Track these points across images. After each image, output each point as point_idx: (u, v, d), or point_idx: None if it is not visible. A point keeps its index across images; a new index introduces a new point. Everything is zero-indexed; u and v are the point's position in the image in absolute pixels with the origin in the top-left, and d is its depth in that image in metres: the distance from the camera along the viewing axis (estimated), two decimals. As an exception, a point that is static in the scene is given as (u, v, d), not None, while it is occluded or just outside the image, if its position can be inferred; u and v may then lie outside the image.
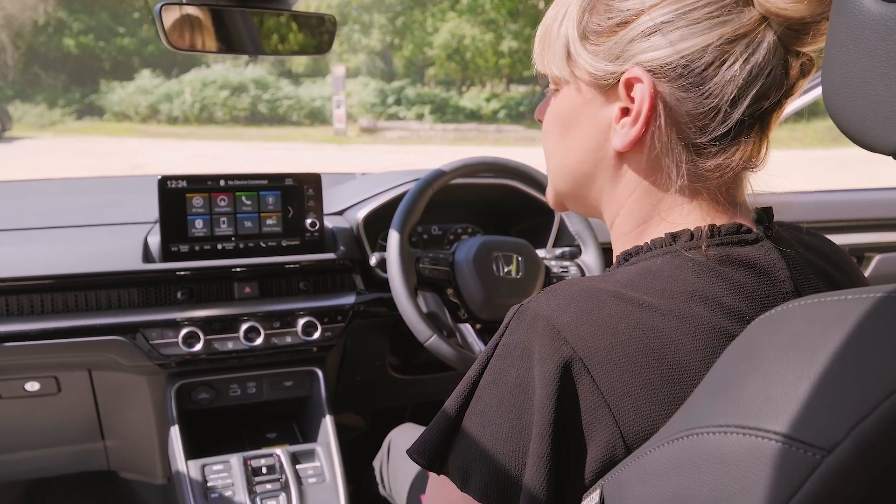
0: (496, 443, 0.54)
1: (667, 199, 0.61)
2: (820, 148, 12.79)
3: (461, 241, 1.35)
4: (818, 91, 1.61)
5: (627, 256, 0.61)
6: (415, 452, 0.59)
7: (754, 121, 0.58)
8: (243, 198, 1.38)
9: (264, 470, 1.33)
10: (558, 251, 1.46)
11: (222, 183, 1.37)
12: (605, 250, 1.42)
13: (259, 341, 1.35)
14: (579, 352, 0.52)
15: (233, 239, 1.38)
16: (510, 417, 0.54)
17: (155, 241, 1.35)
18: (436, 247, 1.70)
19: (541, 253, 1.42)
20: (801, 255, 0.61)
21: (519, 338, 0.55)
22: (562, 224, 1.63)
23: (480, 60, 17.49)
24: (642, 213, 0.62)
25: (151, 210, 1.40)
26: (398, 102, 16.96)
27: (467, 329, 1.33)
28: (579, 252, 1.44)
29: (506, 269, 1.31)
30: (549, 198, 0.72)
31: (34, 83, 16.25)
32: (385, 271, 1.37)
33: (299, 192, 1.41)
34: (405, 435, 1.36)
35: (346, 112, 15.43)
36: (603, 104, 0.61)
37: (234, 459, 1.33)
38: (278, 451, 1.37)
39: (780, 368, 0.42)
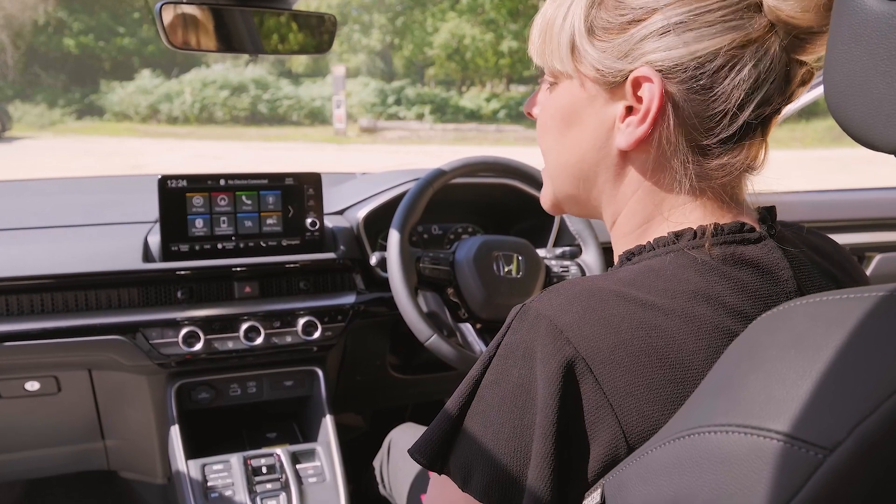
0: (498, 443, 0.54)
1: (670, 198, 0.61)
2: (820, 148, 12.79)
3: (461, 240, 1.35)
4: (818, 91, 1.60)
5: (630, 255, 0.61)
6: (416, 452, 0.59)
7: (757, 124, 0.59)
8: (243, 197, 1.38)
9: (264, 470, 1.33)
10: (559, 251, 1.46)
11: (222, 182, 1.37)
12: (606, 250, 1.42)
13: (259, 341, 1.35)
14: (582, 352, 0.52)
15: (233, 238, 1.38)
16: (512, 417, 0.54)
17: (155, 240, 1.35)
18: (436, 246, 1.70)
19: (541, 252, 1.42)
20: (804, 255, 0.61)
21: (521, 338, 0.55)
22: (562, 223, 1.63)
23: (480, 60, 17.49)
24: (645, 213, 0.62)
25: (151, 209, 1.40)
26: (398, 102, 16.96)
27: (467, 329, 1.33)
28: (580, 251, 1.44)
29: (506, 269, 1.31)
30: (546, 200, 0.71)
31: (34, 83, 16.26)
32: (385, 271, 1.37)
33: (299, 191, 1.41)
34: (405, 435, 1.36)
35: (346, 112, 15.44)
36: (607, 101, 0.60)
37: (235, 459, 1.33)
38: (278, 450, 1.37)
39: (781, 367, 0.42)
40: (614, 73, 0.58)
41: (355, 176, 1.79)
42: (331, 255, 1.43)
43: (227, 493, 1.29)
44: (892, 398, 0.38)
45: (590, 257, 1.41)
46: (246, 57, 15.71)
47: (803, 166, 9.34)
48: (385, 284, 1.45)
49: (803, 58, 0.58)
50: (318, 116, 16.64)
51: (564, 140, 0.65)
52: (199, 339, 1.31)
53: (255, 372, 1.42)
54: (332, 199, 1.57)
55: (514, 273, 1.32)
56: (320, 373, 1.45)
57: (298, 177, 1.41)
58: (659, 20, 0.56)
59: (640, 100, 0.58)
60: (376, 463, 1.41)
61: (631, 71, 0.57)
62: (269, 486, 1.31)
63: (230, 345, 1.34)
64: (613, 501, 0.48)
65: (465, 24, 17.19)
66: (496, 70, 17.97)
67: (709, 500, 0.41)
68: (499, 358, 0.56)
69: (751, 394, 0.42)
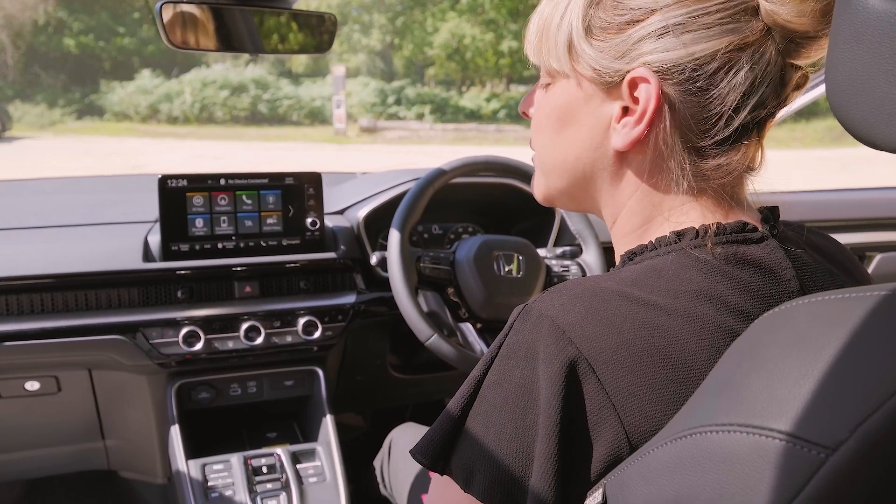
0: (500, 443, 0.54)
1: (669, 198, 0.61)
2: (820, 148, 12.80)
3: (462, 240, 1.35)
4: (818, 91, 1.60)
5: (632, 255, 0.61)
6: (418, 453, 0.58)
7: (753, 127, 0.59)
8: (244, 197, 1.38)
9: (265, 469, 1.33)
10: (559, 250, 1.46)
11: (223, 182, 1.36)
12: (607, 249, 1.42)
13: (259, 341, 1.35)
14: (584, 352, 0.52)
15: (233, 238, 1.38)
16: (514, 418, 0.54)
17: (155, 240, 1.35)
18: (436, 246, 1.70)
19: (542, 252, 1.42)
20: (807, 254, 0.61)
21: (523, 338, 0.55)
22: (562, 223, 1.63)
23: (480, 60, 17.50)
24: (644, 214, 0.62)
25: (152, 209, 1.40)
26: (398, 102, 16.96)
27: (468, 328, 1.33)
28: (580, 251, 1.44)
29: (507, 269, 1.31)
30: (538, 192, 0.71)
31: (34, 83, 16.26)
32: (386, 270, 1.37)
33: (300, 191, 1.41)
34: (406, 434, 1.36)
35: (346, 112, 15.44)
36: (603, 101, 0.60)
37: (235, 459, 1.33)
38: (279, 450, 1.36)
39: (783, 367, 0.42)
40: (611, 74, 0.58)
41: (355, 175, 1.79)
42: (331, 255, 1.43)
43: (228, 492, 1.29)
44: (893, 397, 0.38)
45: (590, 257, 1.41)
46: (246, 57, 15.73)
47: (803, 166, 9.34)
48: (385, 284, 1.45)
49: (799, 62, 0.58)
50: (318, 116, 16.64)
51: (560, 139, 0.65)
52: (199, 338, 1.31)
53: (256, 372, 1.42)
54: (333, 199, 1.57)
55: (514, 273, 1.32)
56: (320, 372, 1.45)
57: (299, 176, 1.41)
58: (657, 21, 0.56)
59: (636, 100, 0.58)
60: (377, 463, 1.41)
61: (628, 71, 0.57)
62: (269, 485, 1.31)
63: (230, 344, 1.34)
64: (615, 501, 0.48)
65: (465, 24, 17.19)
66: (496, 70, 17.98)
67: (710, 499, 0.41)
68: (501, 358, 0.56)
69: (753, 393, 0.42)
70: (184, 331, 1.30)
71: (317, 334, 1.39)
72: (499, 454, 0.54)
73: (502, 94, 17.76)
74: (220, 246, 1.37)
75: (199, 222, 1.35)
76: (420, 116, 16.69)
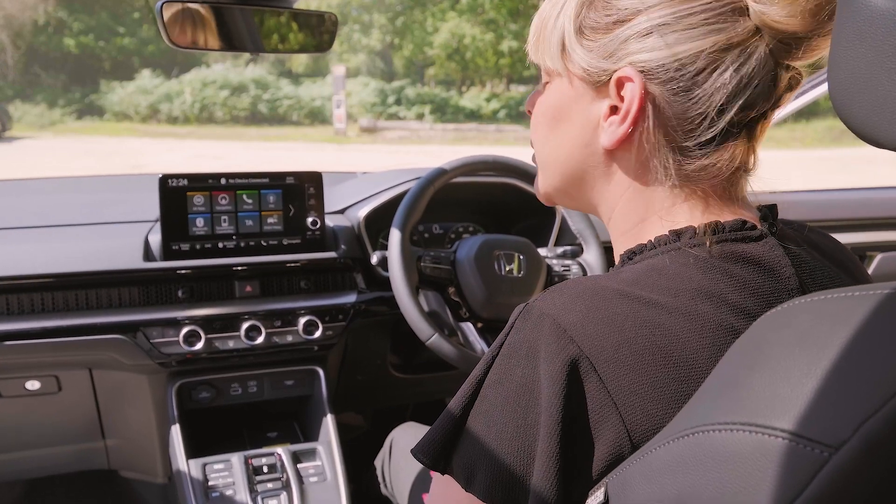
0: (501, 442, 0.54)
1: (660, 197, 0.61)
2: (820, 148, 12.80)
3: (462, 239, 1.35)
4: (818, 91, 1.60)
5: (631, 255, 0.61)
6: (419, 452, 0.58)
7: (740, 128, 0.59)
8: (244, 196, 1.38)
9: (265, 469, 1.33)
10: (560, 250, 1.46)
11: (223, 181, 1.36)
12: (607, 249, 1.41)
13: (260, 340, 1.35)
14: (586, 350, 0.52)
15: (234, 237, 1.38)
16: (515, 417, 0.54)
17: (156, 239, 1.35)
18: (437, 245, 1.70)
19: (542, 252, 1.42)
20: (806, 252, 0.61)
21: (524, 337, 0.55)
22: (563, 223, 1.63)
23: (480, 60, 17.50)
24: (638, 212, 0.63)
25: (152, 209, 1.40)
26: (398, 102, 16.96)
27: (469, 328, 1.33)
28: (581, 251, 1.44)
29: (507, 268, 1.31)
30: (538, 191, 0.72)
31: (34, 83, 16.26)
32: (386, 270, 1.37)
33: (300, 190, 1.41)
34: (407, 434, 1.36)
35: (346, 112, 15.44)
36: (593, 100, 0.62)
37: (235, 458, 1.33)
38: (279, 450, 1.36)
39: (786, 366, 0.42)
40: (600, 73, 0.60)
41: (356, 175, 1.79)
42: (332, 255, 1.43)
43: (228, 492, 1.29)
44: (897, 397, 0.38)
45: (591, 256, 1.41)
46: (246, 57, 15.73)
47: (803, 166, 9.34)
48: (386, 283, 1.45)
49: (791, 63, 0.58)
50: (318, 116, 16.64)
51: (553, 137, 0.66)
52: (199, 338, 1.31)
53: (256, 371, 1.42)
54: (333, 199, 1.57)
55: (515, 272, 1.32)
56: (321, 372, 1.45)
57: (299, 176, 1.41)
58: (643, 21, 0.57)
59: (622, 99, 0.59)
60: (378, 462, 1.41)
61: (615, 71, 0.58)
62: (269, 485, 1.31)
63: (231, 344, 1.34)
64: (617, 500, 0.48)
65: (465, 24, 17.19)
66: (496, 70, 17.98)
67: (713, 498, 0.41)
68: (502, 357, 0.56)
69: (755, 392, 0.42)
70: (184, 330, 1.30)
71: (317, 334, 1.39)
72: (500, 453, 0.53)
73: (502, 94, 17.76)
74: (220, 245, 1.36)
75: (200, 222, 1.35)
76: (420, 116, 16.69)
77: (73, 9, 16.69)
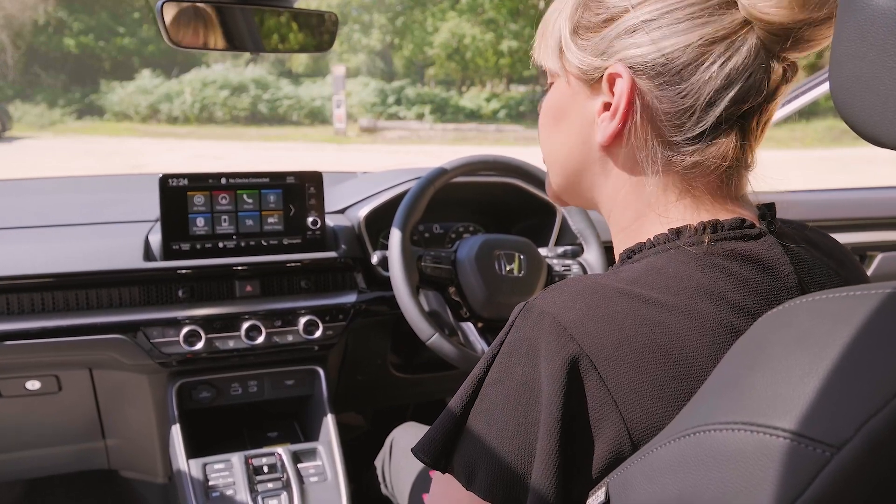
0: (502, 441, 0.54)
1: (653, 193, 0.61)
2: (820, 148, 12.80)
3: (463, 239, 1.35)
4: (818, 91, 1.60)
5: (631, 254, 0.61)
6: (420, 451, 0.58)
7: (733, 123, 0.58)
8: (245, 196, 1.38)
9: (266, 469, 1.33)
10: (560, 249, 1.46)
11: (223, 181, 1.36)
12: (608, 249, 1.42)
13: (260, 340, 1.35)
14: (586, 348, 0.52)
15: (234, 237, 1.37)
16: (516, 415, 0.54)
17: (156, 239, 1.34)
18: (437, 245, 1.69)
19: (543, 251, 1.42)
20: (805, 251, 0.61)
21: (525, 335, 0.55)
22: (564, 222, 1.63)
23: (480, 60, 17.49)
24: (634, 208, 0.63)
25: (152, 208, 1.40)
26: (398, 102, 16.96)
27: (469, 328, 1.33)
28: (581, 250, 1.44)
29: (508, 268, 1.31)
30: (549, 191, 0.73)
31: (34, 83, 16.26)
32: (387, 270, 1.37)
33: (301, 190, 1.41)
34: (407, 434, 1.36)
35: (346, 112, 15.43)
36: (588, 98, 0.63)
37: (236, 458, 1.33)
38: (280, 450, 1.36)
39: (787, 365, 0.42)
40: (592, 71, 0.61)
41: (356, 175, 1.78)
42: (332, 254, 1.43)
43: (229, 492, 1.29)
44: (899, 396, 0.38)
45: (591, 256, 1.41)
46: (246, 57, 15.73)
47: (803, 166, 9.34)
48: (386, 283, 1.45)
49: (787, 55, 0.58)
50: (318, 116, 16.64)
51: (555, 135, 0.68)
52: (200, 338, 1.31)
53: (257, 371, 1.42)
54: (334, 198, 1.57)
55: (515, 272, 1.32)
56: (321, 372, 1.45)
57: (300, 175, 1.41)
58: (630, 18, 0.58)
59: (614, 96, 0.60)
60: (378, 462, 1.41)
61: (606, 68, 0.59)
62: (270, 485, 1.31)
63: (231, 344, 1.34)
64: (618, 500, 0.48)
65: (465, 24, 17.19)
66: (496, 70, 17.98)
67: (714, 498, 0.41)
68: (502, 356, 0.56)
69: (756, 392, 0.42)
70: (185, 330, 1.30)
71: (318, 333, 1.39)
72: (501, 452, 0.53)
73: (502, 94, 17.76)
74: (220, 245, 1.36)
75: (200, 221, 1.35)
76: (420, 116, 16.69)
77: (73, 9, 16.69)
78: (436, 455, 0.57)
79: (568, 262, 1.41)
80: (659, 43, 0.57)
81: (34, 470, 1.53)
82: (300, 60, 18.58)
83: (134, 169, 10.03)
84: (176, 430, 1.34)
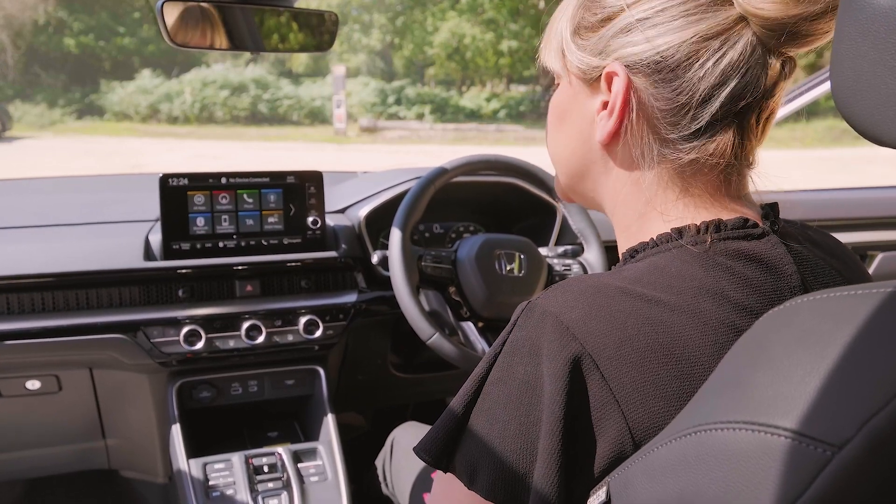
0: (504, 440, 0.54)
1: (653, 192, 0.61)
2: (820, 148, 12.80)
3: (463, 239, 1.35)
4: (818, 90, 1.60)
5: (633, 253, 0.61)
6: (421, 450, 0.58)
7: (730, 120, 0.58)
8: (245, 195, 1.38)
9: (266, 468, 1.33)
10: (561, 249, 1.46)
11: (224, 181, 1.36)
12: (608, 248, 1.42)
13: (260, 340, 1.35)
14: (588, 348, 0.52)
15: (234, 237, 1.37)
16: (518, 415, 0.54)
17: (156, 238, 1.34)
18: (437, 245, 1.69)
19: (543, 251, 1.42)
20: (807, 250, 0.61)
21: (527, 334, 0.55)
22: (564, 222, 1.63)
23: (480, 60, 17.49)
24: (635, 206, 0.63)
25: (152, 208, 1.40)
26: (398, 102, 16.96)
27: (469, 327, 1.33)
28: (582, 250, 1.44)
29: (508, 268, 1.31)
30: (557, 189, 0.74)
31: (34, 83, 16.26)
32: (387, 269, 1.37)
33: (301, 189, 1.41)
34: (408, 433, 1.36)
35: (347, 112, 15.43)
36: (588, 97, 0.63)
37: (236, 458, 1.33)
38: (280, 449, 1.36)
39: (788, 364, 0.42)
40: (591, 70, 0.61)
41: (357, 174, 1.78)
42: (332, 254, 1.43)
43: (229, 492, 1.29)
44: (900, 395, 0.38)
45: (592, 256, 1.41)
46: (246, 56, 15.73)
47: (804, 166, 9.34)
48: (387, 283, 1.45)
49: (783, 50, 0.57)
50: (318, 116, 16.64)
51: (559, 135, 0.68)
52: (200, 337, 1.31)
53: (257, 371, 1.42)
54: (334, 198, 1.57)
55: (516, 272, 1.31)
56: (322, 372, 1.45)
57: (300, 175, 1.41)
58: (626, 17, 0.58)
59: (611, 94, 0.60)
60: (379, 462, 1.41)
61: (604, 67, 0.60)
62: (270, 485, 1.31)
63: (231, 343, 1.34)
64: (619, 499, 0.48)
65: (465, 24, 17.18)
66: (496, 70, 17.97)
67: (716, 497, 0.41)
68: (504, 355, 0.56)
69: (758, 391, 0.42)
70: (185, 330, 1.30)
71: (318, 333, 1.39)
72: (502, 451, 0.53)
73: (502, 94, 17.76)
74: (221, 245, 1.36)
75: (200, 221, 1.35)
76: (420, 116, 16.68)
77: (73, 9, 16.69)
78: (437, 454, 0.57)
79: (568, 261, 1.41)
80: (653, 41, 0.57)
81: (34, 470, 1.53)
82: (300, 60, 18.58)
83: (134, 169, 10.03)
84: (176, 430, 1.34)
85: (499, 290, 1.28)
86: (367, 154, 12.43)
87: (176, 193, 1.33)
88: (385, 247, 1.53)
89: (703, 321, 0.53)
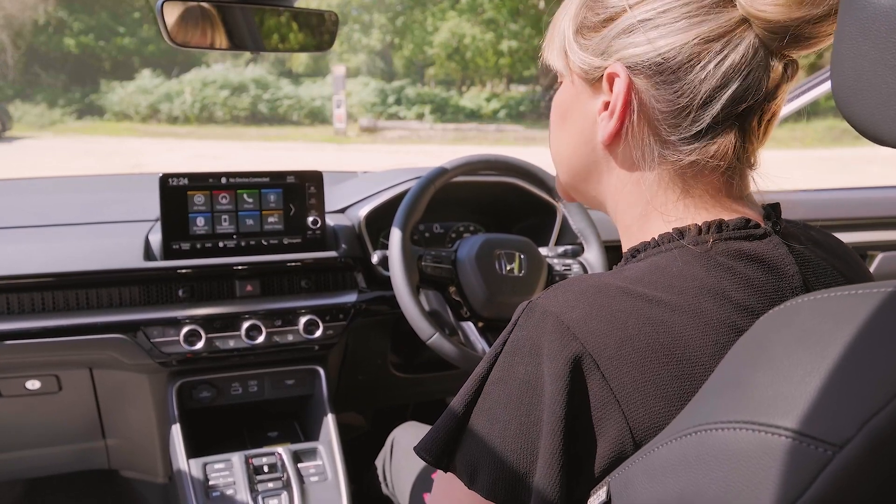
0: (504, 440, 0.54)
1: (654, 192, 0.61)
2: (820, 148, 12.80)
3: (463, 239, 1.35)
4: (818, 90, 1.60)
5: (635, 252, 0.61)
6: (422, 449, 0.58)
7: (732, 122, 0.58)
8: (245, 195, 1.38)
9: (266, 468, 1.33)
10: (561, 249, 1.46)
11: (224, 181, 1.36)
12: (608, 248, 1.42)
13: (260, 339, 1.35)
14: (589, 348, 0.52)
15: (234, 237, 1.37)
16: (519, 414, 0.54)
17: (156, 238, 1.34)
18: (438, 245, 1.69)
19: (543, 251, 1.42)
20: (809, 251, 0.61)
21: (528, 334, 0.55)
22: (564, 222, 1.63)
23: (480, 60, 17.49)
24: (636, 206, 0.63)
25: (152, 208, 1.40)
26: (398, 102, 16.96)
27: (469, 327, 1.33)
28: (582, 250, 1.44)
29: (508, 267, 1.31)
30: (558, 188, 0.74)
31: (34, 83, 16.26)
32: (387, 269, 1.36)
33: (301, 189, 1.41)
34: (408, 433, 1.36)
35: (347, 112, 15.43)
36: (591, 97, 0.63)
37: (236, 458, 1.33)
38: (280, 449, 1.36)
39: (789, 364, 0.42)
40: (593, 70, 0.61)
41: (357, 174, 1.78)
42: (332, 254, 1.43)
43: (229, 492, 1.29)
44: (901, 394, 0.37)
45: (592, 256, 1.41)
46: (246, 56, 15.72)
47: (804, 166, 9.34)
48: (387, 283, 1.45)
49: (786, 52, 0.57)
50: (318, 116, 16.64)
51: (561, 134, 0.68)
52: (200, 337, 1.31)
53: (257, 371, 1.42)
54: (334, 198, 1.57)
55: (516, 271, 1.31)
56: (322, 372, 1.45)
57: (300, 175, 1.41)
58: (628, 18, 0.58)
59: (613, 95, 0.60)
60: (379, 462, 1.41)
61: (606, 67, 0.60)
62: (270, 485, 1.31)
63: (231, 343, 1.34)
64: (619, 499, 0.48)
65: (465, 24, 17.18)
66: (496, 70, 17.97)
67: (716, 497, 0.41)
68: (505, 355, 0.56)
69: (758, 390, 0.42)
70: (185, 330, 1.30)
71: (318, 333, 1.39)
72: (503, 451, 0.53)
73: (502, 94, 17.76)
74: (221, 244, 1.36)
75: (200, 221, 1.35)
76: (420, 116, 16.68)
77: (73, 9, 16.69)
78: (438, 454, 0.57)
79: (568, 261, 1.41)
80: (655, 42, 0.57)
81: (34, 470, 1.53)
82: (300, 60, 18.58)
83: (134, 169, 10.03)
84: (176, 430, 1.34)
85: (499, 290, 1.28)
86: (367, 154, 12.42)
87: (176, 193, 1.33)
88: (385, 247, 1.53)
89: (703, 321, 0.53)
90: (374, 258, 1.33)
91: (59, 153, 11.36)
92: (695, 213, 0.60)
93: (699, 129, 0.58)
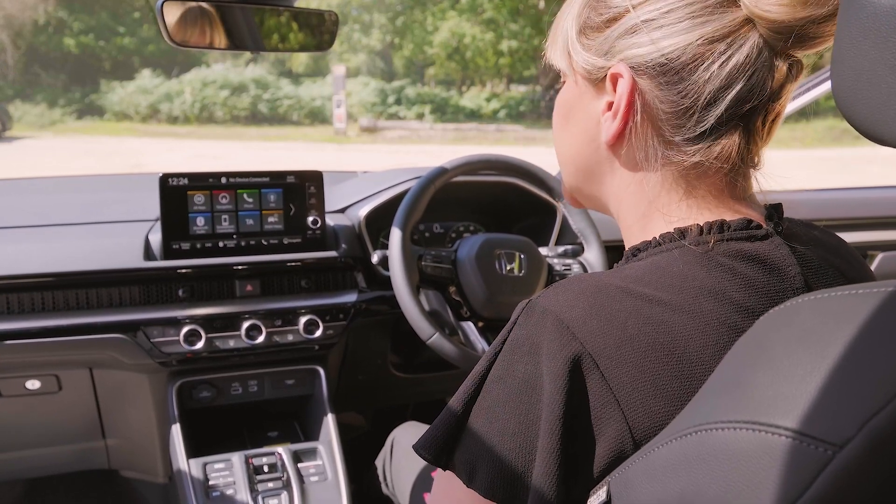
0: (503, 438, 0.54)
1: (657, 193, 0.61)
2: (820, 148, 12.80)
3: (463, 238, 1.35)
4: (818, 90, 1.60)
5: (636, 252, 0.61)
6: (421, 448, 0.58)
7: (736, 123, 0.58)
8: (245, 195, 1.38)
9: (266, 468, 1.33)
10: (561, 249, 1.46)
11: (224, 180, 1.36)
12: (608, 248, 1.42)
13: (261, 339, 1.35)
14: (588, 347, 0.52)
15: (234, 237, 1.37)
16: (518, 413, 0.54)
17: (156, 238, 1.34)
18: (438, 245, 1.69)
19: (543, 251, 1.42)
20: (812, 251, 0.61)
21: (527, 333, 0.55)
22: (564, 222, 1.63)
23: (480, 60, 17.49)
24: (639, 206, 0.63)
25: (152, 208, 1.40)
26: (398, 102, 16.96)
27: (469, 327, 1.33)
28: (582, 250, 1.44)
29: (508, 267, 1.31)
30: (563, 192, 0.74)
31: (34, 83, 16.26)
32: (387, 269, 1.37)
33: (301, 189, 1.41)
34: (408, 433, 1.36)
35: (347, 112, 15.43)
36: (594, 97, 0.63)
37: (236, 458, 1.33)
38: (280, 449, 1.36)
39: (789, 364, 0.42)
40: (596, 70, 0.61)
41: (357, 174, 1.78)
42: (332, 254, 1.43)
43: (229, 492, 1.29)
44: (901, 394, 0.37)
45: (592, 255, 1.41)
46: (246, 56, 15.72)
47: (804, 166, 9.34)
48: (387, 283, 1.45)
49: (790, 52, 0.57)
50: (318, 116, 16.64)
51: (565, 134, 0.68)
52: (200, 337, 1.31)
53: (257, 371, 1.42)
54: (334, 198, 1.57)
55: (516, 271, 1.31)
56: (322, 371, 1.45)
57: (300, 175, 1.41)
58: (631, 18, 0.58)
59: (616, 96, 0.60)
60: (379, 462, 1.41)
61: (609, 68, 0.60)
62: (270, 484, 1.31)
63: (231, 343, 1.34)
64: (619, 499, 0.48)
65: (465, 24, 17.18)
66: (496, 70, 17.97)
67: (716, 497, 0.41)
68: (504, 353, 0.56)
69: (758, 390, 0.42)
70: (185, 329, 1.30)
71: (318, 333, 1.39)
72: (502, 450, 0.53)
73: (502, 94, 17.76)
74: (221, 244, 1.36)
75: (200, 221, 1.35)
76: (420, 116, 16.69)
77: (73, 9, 16.69)
78: (437, 452, 0.57)
79: (568, 261, 1.41)
80: (658, 43, 0.57)
81: (34, 470, 1.53)
82: (300, 60, 18.58)
83: (134, 169, 10.03)
84: (176, 430, 1.34)
85: (499, 289, 1.28)
86: (367, 154, 12.43)
87: (176, 193, 1.33)
88: (385, 246, 1.53)
89: (704, 321, 0.53)
90: (374, 258, 1.33)
91: (59, 153, 11.36)
92: (697, 213, 0.60)
93: (703, 129, 0.57)
